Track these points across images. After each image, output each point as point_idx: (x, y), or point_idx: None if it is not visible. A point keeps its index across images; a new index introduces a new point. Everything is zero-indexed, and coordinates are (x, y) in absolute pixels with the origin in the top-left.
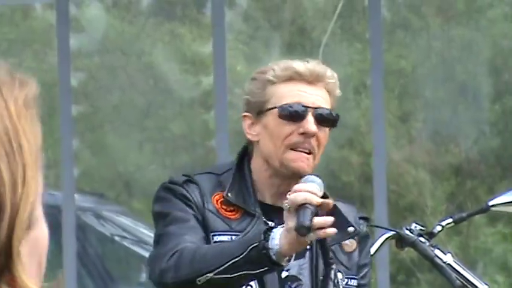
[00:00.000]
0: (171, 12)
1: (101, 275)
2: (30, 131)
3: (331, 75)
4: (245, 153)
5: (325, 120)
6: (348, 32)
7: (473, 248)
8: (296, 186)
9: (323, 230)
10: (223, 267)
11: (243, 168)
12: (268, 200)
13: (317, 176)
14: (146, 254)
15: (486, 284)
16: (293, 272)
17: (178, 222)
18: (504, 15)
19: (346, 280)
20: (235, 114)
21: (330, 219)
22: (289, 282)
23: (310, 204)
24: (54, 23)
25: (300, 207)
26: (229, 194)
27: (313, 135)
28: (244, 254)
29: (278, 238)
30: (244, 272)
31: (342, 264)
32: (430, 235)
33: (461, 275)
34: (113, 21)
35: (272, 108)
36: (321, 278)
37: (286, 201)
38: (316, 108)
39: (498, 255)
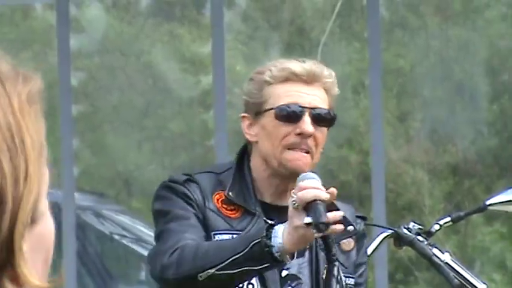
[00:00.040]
0: (170, 12)
1: (101, 273)
2: (33, 127)
3: (328, 74)
4: (244, 153)
5: (322, 120)
6: (347, 31)
7: (471, 246)
8: (301, 184)
9: (336, 225)
10: (224, 263)
11: (242, 168)
12: (268, 199)
13: (314, 172)
14: (145, 253)
15: (484, 283)
16: (293, 271)
17: (179, 220)
18: (501, 15)
19: (344, 279)
20: (234, 114)
21: (340, 213)
22: (289, 281)
23: (320, 200)
24: (55, 23)
25: (309, 204)
26: (230, 193)
27: (310, 135)
28: (246, 250)
29: (281, 235)
30: (245, 268)
31: (340, 263)
32: (428, 234)
33: (459, 273)
34: (112, 21)
35: (269, 109)
36: (324, 274)
37: (293, 199)
38: (312, 108)
39: (495, 254)
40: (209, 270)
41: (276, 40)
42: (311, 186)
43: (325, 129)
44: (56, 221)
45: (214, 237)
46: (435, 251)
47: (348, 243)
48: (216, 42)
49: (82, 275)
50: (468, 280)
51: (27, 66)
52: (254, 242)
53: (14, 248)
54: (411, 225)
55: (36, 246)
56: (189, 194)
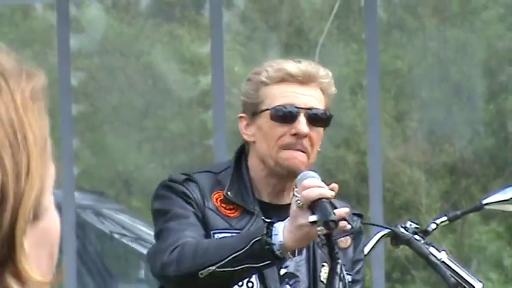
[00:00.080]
0: (169, 13)
1: (100, 272)
2: (36, 123)
3: (324, 74)
4: (242, 153)
5: (317, 120)
6: (345, 32)
7: (467, 245)
8: (305, 183)
9: (343, 222)
10: (225, 260)
11: (240, 167)
12: (266, 198)
13: (314, 171)
14: (145, 252)
15: (480, 281)
16: (291, 269)
17: (178, 219)
18: (498, 16)
19: (346, 277)
20: (233, 114)
21: (346, 210)
22: (287, 279)
23: (325, 198)
24: (55, 24)
25: (315, 203)
26: (228, 193)
27: (305, 136)
28: (246, 248)
29: (281, 233)
30: (246, 266)
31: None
32: (425, 233)
33: (456, 272)
34: (112, 22)
35: (265, 110)
36: (321, 272)
37: (297, 198)
38: (308, 108)
39: (492, 252)
40: (210, 268)
41: (274, 41)
42: (315, 185)
43: (320, 129)
44: None
45: (213, 236)
46: (432, 249)
47: (345, 241)
48: (215, 42)
49: (82, 274)
50: (465, 279)
51: (28, 66)
52: (255, 240)
53: (15, 244)
54: (408, 224)
55: (41, 241)
56: (188, 193)
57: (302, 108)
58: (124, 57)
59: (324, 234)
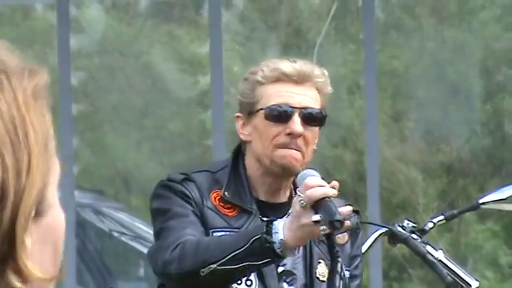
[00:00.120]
0: (168, 13)
1: (100, 270)
2: (37, 121)
3: (319, 73)
4: (239, 152)
5: (312, 119)
6: (342, 33)
7: (464, 244)
8: (307, 183)
9: (347, 222)
10: (226, 258)
11: (238, 167)
12: (262, 197)
13: (313, 169)
14: (144, 250)
15: (476, 280)
16: (288, 266)
17: (178, 217)
18: (496, 17)
19: (346, 275)
20: (232, 114)
21: (349, 208)
22: (284, 277)
23: (329, 197)
24: (55, 24)
25: (318, 202)
26: (226, 193)
27: (299, 135)
28: (246, 246)
29: (281, 231)
30: (246, 264)
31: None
32: (422, 232)
33: (452, 270)
34: (112, 22)
35: (261, 109)
36: (317, 269)
37: (300, 198)
38: (302, 108)
39: (488, 251)
40: (211, 266)
41: (273, 41)
42: (318, 184)
43: (315, 128)
44: None
45: (212, 235)
46: (429, 248)
47: (342, 237)
48: (214, 43)
49: (82, 272)
50: (461, 277)
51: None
52: (254, 238)
53: (15, 240)
54: (405, 223)
55: (44, 238)
56: (187, 192)
57: (297, 107)
58: (123, 57)
59: (325, 233)
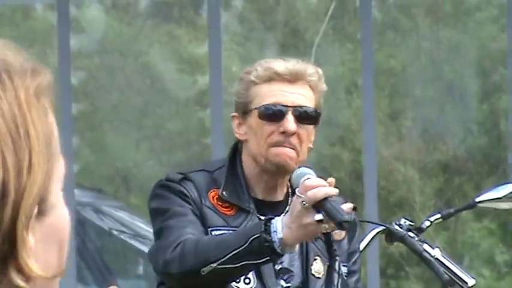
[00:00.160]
0: (168, 14)
1: (100, 268)
2: (39, 120)
3: (313, 72)
4: (236, 151)
5: (305, 118)
6: (340, 32)
7: (460, 242)
8: (307, 183)
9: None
10: (226, 257)
11: (235, 166)
12: (260, 196)
13: (308, 167)
14: (143, 248)
15: (473, 278)
16: (285, 264)
17: (177, 217)
18: (491, 17)
19: (344, 273)
20: (230, 113)
21: (350, 205)
22: (281, 274)
23: (331, 197)
24: (55, 24)
25: (320, 202)
26: (224, 193)
27: (293, 133)
28: (245, 245)
29: (280, 229)
30: (246, 262)
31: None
32: (419, 230)
33: (449, 268)
34: (112, 22)
35: (255, 109)
36: (313, 265)
37: (302, 199)
38: (295, 107)
39: (484, 249)
40: (211, 265)
41: (271, 41)
42: (319, 185)
43: (310, 126)
44: None
45: (211, 234)
46: (425, 246)
47: (340, 233)
48: (213, 43)
49: (81, 270)
50: (457, 275)
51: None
52: (253, 237)
53: (16, 239)
54: (402, 221)
55: (48, 237)
56: (185, 192)
57: (290, 106)
58: (123, 57)
59: (323, 232)
